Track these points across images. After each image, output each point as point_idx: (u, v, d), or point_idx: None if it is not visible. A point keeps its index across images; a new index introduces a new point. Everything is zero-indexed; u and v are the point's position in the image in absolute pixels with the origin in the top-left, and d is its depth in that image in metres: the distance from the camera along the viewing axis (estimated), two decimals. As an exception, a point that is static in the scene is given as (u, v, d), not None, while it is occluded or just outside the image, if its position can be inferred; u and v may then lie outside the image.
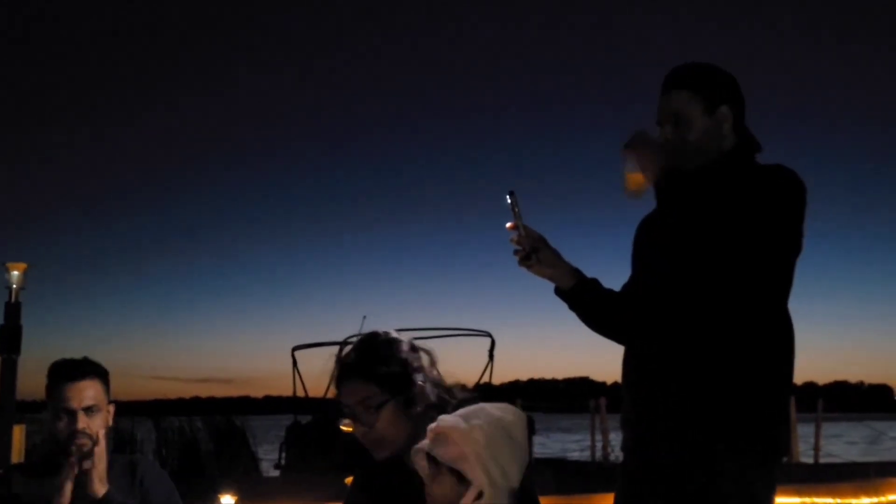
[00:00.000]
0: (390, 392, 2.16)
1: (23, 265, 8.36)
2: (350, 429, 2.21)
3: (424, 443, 1.99)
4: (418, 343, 2.30)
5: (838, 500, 8.42)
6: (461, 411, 2.03)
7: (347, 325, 19.45)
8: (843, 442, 26.36)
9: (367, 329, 2.33)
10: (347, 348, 2.28)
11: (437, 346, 2.32)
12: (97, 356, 2.75)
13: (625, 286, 2.45)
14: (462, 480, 1.93)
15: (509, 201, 2.30)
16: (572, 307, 2.38)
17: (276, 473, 13.45)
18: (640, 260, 2.45)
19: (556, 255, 2.34)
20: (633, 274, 2.45)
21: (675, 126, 2.27)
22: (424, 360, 2.27)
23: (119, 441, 11.84)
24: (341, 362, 2.24)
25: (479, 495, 1.91)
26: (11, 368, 8.18)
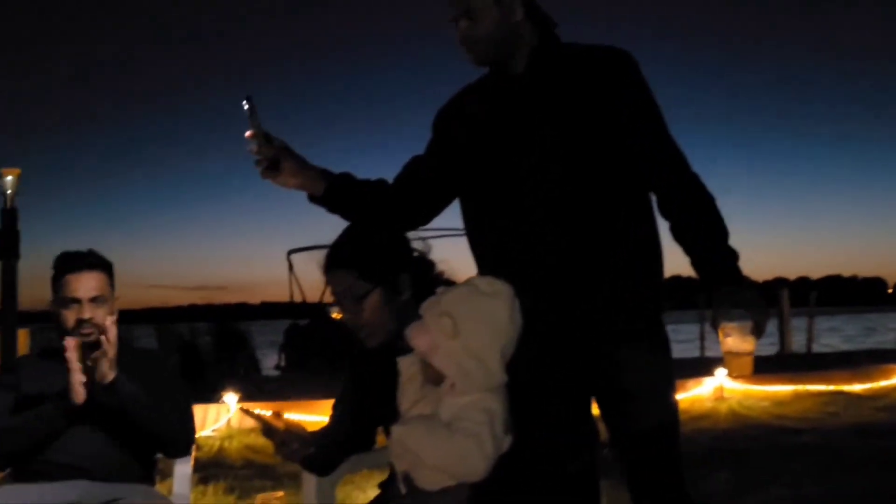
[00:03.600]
0: (374, 281, 2.19)
1: (16, 170, 8.28)
2: (339, 315, 2.25)
3: (408, 328, 1.96)
4: (413, 236, 2.32)
5: (831, 387, 8.62)
6: (445, 293, 2.00)
7: (343, 226, 19.33)
8: (839, 336, 26.55)
9: None
10: (335, 238, 2.29)
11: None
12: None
13: (409, 173, 2.32)
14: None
15: (246, 107, 2.11)
16: (331, 211, 2.26)
17: (276, 374, 13.69)
18: (483, 155, 2.20)
19: (301, 161, 2.19)
20: (442, 164, 2.28)
21: (468, 20, 2.14)
22: (417, 249, 2.30)
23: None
24: (328, 253, 2.27)
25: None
26: (11, 273, 8.19)
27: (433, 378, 1.94)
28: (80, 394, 2.49)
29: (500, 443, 1.88)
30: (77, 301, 2.65)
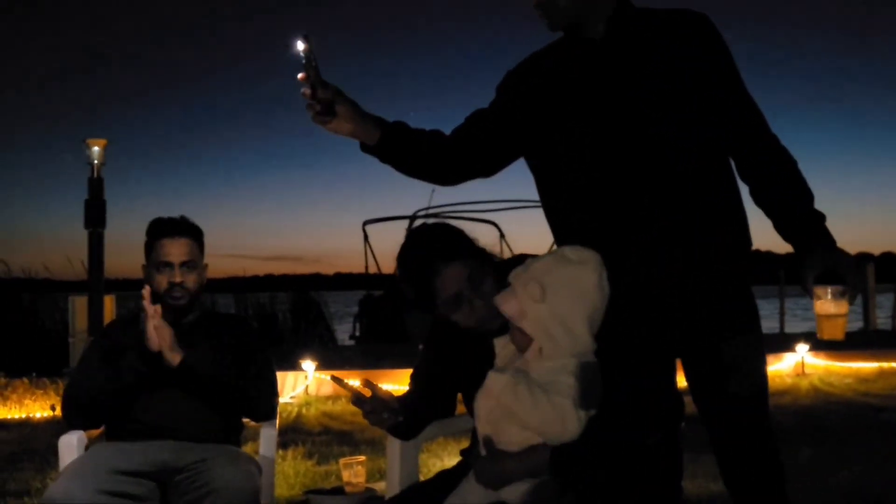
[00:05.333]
0: (485, 264, 2.15)
1: (102, 141, 8.54)
2: (457, 316, 2.11)
3: (498, 295, 1.97)
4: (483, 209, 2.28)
5: (917, 364, 8.37)
6: (533, 261, 1.98)
7: (417, 198, 19.44)
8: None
9: (435, 202, 2.29)
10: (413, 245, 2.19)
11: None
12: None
13: (471, 126, 2.23)
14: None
15: (302, 48, 1.96)
16: (384, 160, 2.16)
17: (350, 344, 13.88)
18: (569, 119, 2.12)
19: (356, 107, 2.07)
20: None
21: None
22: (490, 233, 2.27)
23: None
24: (434, 251, 2.13)
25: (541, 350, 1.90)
26: (98, 242, 8.48)
27: (521, 345, 1.95)
28: (154, 340, 2.56)
29: (588, 408, 1.88)
30: (169, 265, 2.74)
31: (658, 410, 2.13)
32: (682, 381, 2.19)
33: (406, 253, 2.16)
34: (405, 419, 2.17)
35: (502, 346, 2.04)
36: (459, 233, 2.20)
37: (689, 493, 2.19)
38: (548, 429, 1.86)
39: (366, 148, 2.15)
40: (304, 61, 1.98)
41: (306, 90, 2.01)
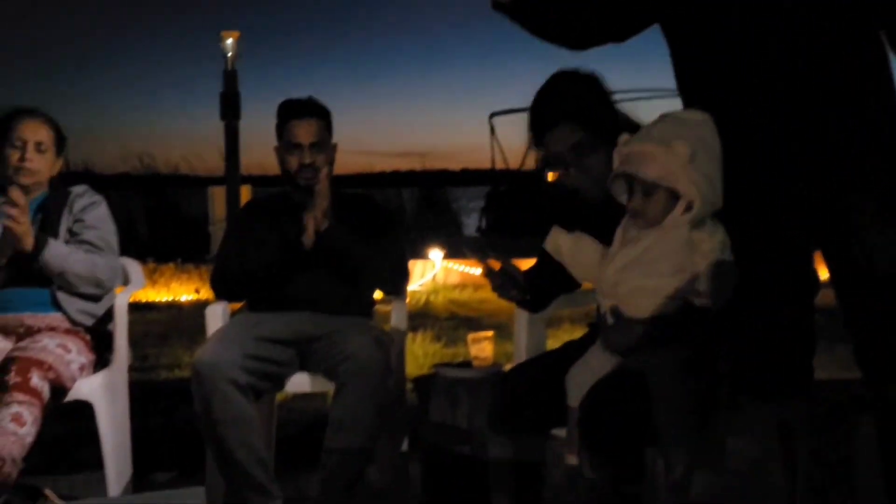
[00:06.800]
0: (600, 133, 2.11)
1: (236, 33, 8.74)
2: (555, 176, 2.20)
3: (623, 166, 1.94)
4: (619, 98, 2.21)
5: None
6: (651, 126, 1.95)
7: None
8: None
9: None
10: (547, 88, 2.17)
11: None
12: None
13: None
14: (668, 197, 1.90)
15: None
16: (514, 18, 2.05)
17: (476, 236, 14.02)
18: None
19: None
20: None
21: None
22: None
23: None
24: (551, 105, 2.16)
25: (689, 207, 1.88)
26: (234, 133, 8.78)
27: (653, 213, 1.93)
28: (310, 236, 2.69)
29: (724, 273, 1.87)
30: (299, 147, 2.81)
31: (794, 285, 2.09)
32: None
33: (537, 96, 2.17)
34: (532, 294, 2.21)
35: (624, 229, 2.03)
36: (596, 92, 2.17)
37: (819, 379, 2.16)
38: (678, 289, 1.87)
39: (497, 5, 2.07)
40: None
41: None
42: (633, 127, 2.09)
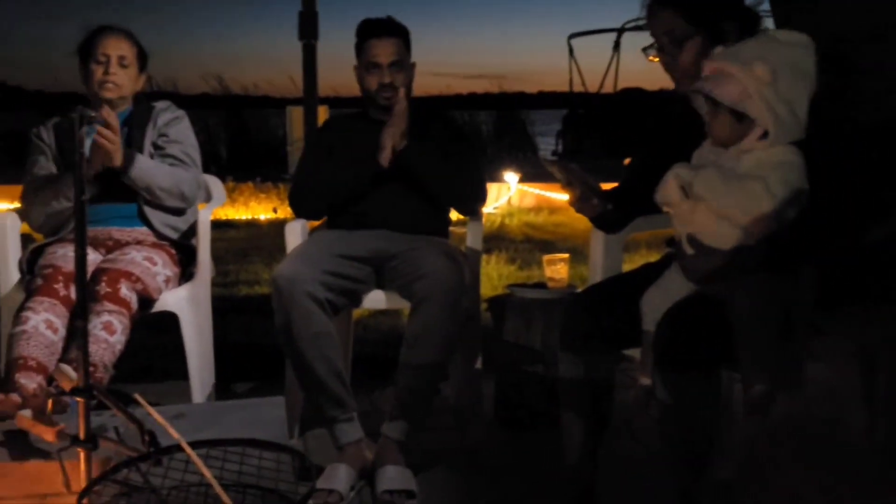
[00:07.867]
0: (699, 24, 2.08)
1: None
2: (655, 58, 2.15)
3: (702, 83, 1.90)
4: None
5: None
6: (742, 44, 1.90)
7: (625, 10, 18.59)
8: None
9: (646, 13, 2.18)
10: None
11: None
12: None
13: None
14: (743, 120, 1.85)
15: None
16: None
17: (553, 159, 13.89)
18: None
19: None
20: None
21: None
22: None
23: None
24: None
25: (765, 134, 1.84)
26: (311, 53, 8.79)
27: (731, 134, 1.88)
28: (387, 158, 2.70)
29: (792, 190, 1.82)
30: (378, 66, 2.81)
31: (876, 213, 2.03)
32: None
33: None
34: (613, 209, 2.19)
35: (704, 154, 1.99)
36: None
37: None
38: (742, 207, 1.83)
39: None
40: None
41: None
42: (751, 20, 2.07)
